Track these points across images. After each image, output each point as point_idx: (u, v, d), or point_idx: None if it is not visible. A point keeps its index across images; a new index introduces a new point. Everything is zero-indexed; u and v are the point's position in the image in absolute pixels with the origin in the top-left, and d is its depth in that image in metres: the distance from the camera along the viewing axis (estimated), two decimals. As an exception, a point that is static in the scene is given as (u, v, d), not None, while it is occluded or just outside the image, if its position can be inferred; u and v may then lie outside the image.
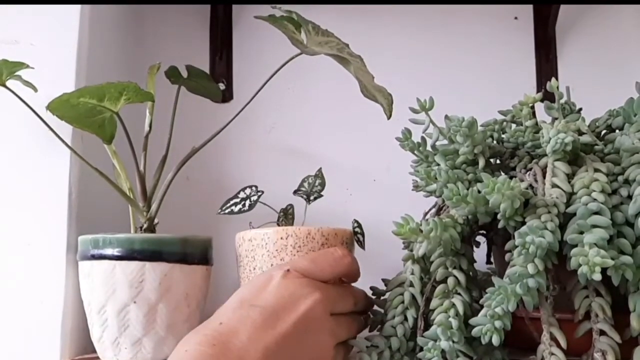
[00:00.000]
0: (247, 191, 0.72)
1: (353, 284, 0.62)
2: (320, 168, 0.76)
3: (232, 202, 0.71)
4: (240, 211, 0.70)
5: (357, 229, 0.68)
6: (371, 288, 0.76)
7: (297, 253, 0.63)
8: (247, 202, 0.70)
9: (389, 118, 0.66)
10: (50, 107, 0.61)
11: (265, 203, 0.71)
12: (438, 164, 0.62)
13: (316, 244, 0.64)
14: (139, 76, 0.81)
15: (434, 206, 0.65)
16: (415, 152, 0.65)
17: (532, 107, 0.65)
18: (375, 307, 0.60)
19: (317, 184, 0.75)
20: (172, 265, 0.63)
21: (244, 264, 0.66)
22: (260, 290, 0.51)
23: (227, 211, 0.70)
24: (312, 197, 0.74)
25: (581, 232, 0.48)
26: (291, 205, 0.72)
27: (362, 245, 0.68)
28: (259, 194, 0.71)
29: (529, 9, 1.03)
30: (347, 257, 0.57)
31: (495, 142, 0.65)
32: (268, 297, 0.50)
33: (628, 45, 1.03)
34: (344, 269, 0.56)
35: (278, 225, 0.72)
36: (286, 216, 0.71)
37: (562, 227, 0.50)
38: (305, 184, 0.75)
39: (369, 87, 0.65)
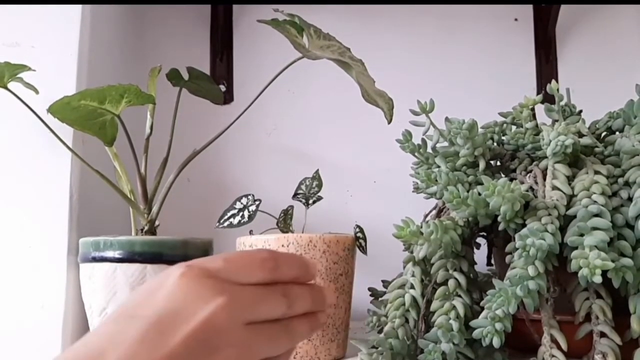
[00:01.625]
0: (244, 200, 0.70)
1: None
2: (317, 170, 0.76)
3: (229, 213, 0.70)
4: (240, 223, 0.68)
5: (359, 234, 0.68)
6: (371, 289, 0.76)
7: (299, 261, 0.62)
8: (246, 213, 0.68)
9: (389, 122, 0.66)
10: (52, 110, 0.61)
11: (265, 211, 0.71)
12: (438, 166, 0.62)
13: (318, 251, 0.63)
14: (139, 78, 0.81)
15: (434, 208, 0.65)
16: (416, 154, 0.65)
17: (533, 109, 0.66)
18: (376, 309, 0.60)
19: (314, 185, 0.74)
20: (173, 267, 0.63)
21: (245, 268, 0.66)
22: (149, 295, 0.38)
23: (226, 224, 0.69)
24: (310, 201, 0.73)
25: (581, 235, 0.48)
26: (291, 207, 0.72)
27: (364, 250, 0.68)
28: (257, 202, 0.69)
29: (529, 10, 1.03)
30: (270, 262, 0.43)
31: (495, 144, 0.65)
32: (156, 303, 0.37)
33: (628, 46, 1.03)
34: (264, 274, 0.42)
35: (278, 227, 0.72)
36: (285, 218, 0.71)
37: (563, 229, 0.50)
38: (303, 187, 0.75)
39: (370, 92, 0.65)
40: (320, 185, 0.74)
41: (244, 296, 0.41)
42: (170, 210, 0.74)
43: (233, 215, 0.69)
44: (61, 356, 0.35)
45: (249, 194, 0.71)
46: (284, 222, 0.71)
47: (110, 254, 0.62)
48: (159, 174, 0.71)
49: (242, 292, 0.40)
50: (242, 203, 0.70)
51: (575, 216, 0.50)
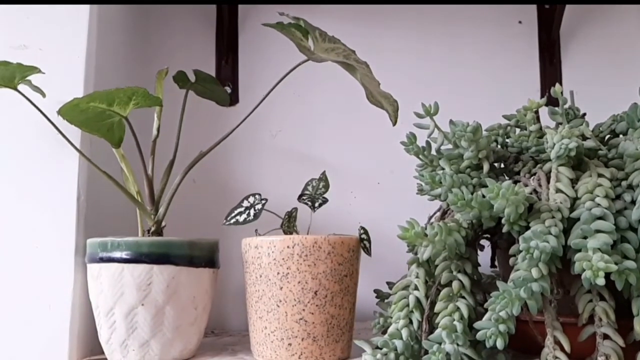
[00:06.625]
0: (251, 199, 0.71)
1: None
2: (324, 171, 0.76)
3: (236, 211, 0.71)
4: (245, 221, 0.69)
5: (363, 236, 0.68)
6: (375, 291, 0.77)
7: (304, 262, 0.63)
8: (252, 211, 0.69)
9: (394, 124, 0.67)
10: (61, 112, 0.62)
11: (270, 210, 0.71)
12: (442, 168, 0.62)
13: (322, 252, 0.63)
14: (145, 80, 0.82)
15: (438, 210, 0.66)
16: (420, 156, 0.65)
17: (536, 112, 0.66)
18: (382, 311, 0.60)
19: (320, 186, 0.75)
20: (179, 268, 0.64)
21: (250, 270, 0.67)
22: None
23: (232, 221, 0.70)
24: (317, 204, 0.74)
25: (585, 237, 0.49)
26: (295, 209, 0.73)
27: (368, 252, 0.68)
28: (263, 202, 0.70)
29: (533, 13, 1.03)
30: None
31: (499, 146, 0.66)
32: None
33: (633, 49, 1.03)
34: None
35: (282, 229, 0.72)
36: (290, 220, 0.72)
37: (566, 232, 0.51)
38: (310, 187, 0.75)
39: (375, 94, 0.65)
40: (326, 187, 0.75)
41: None
42: (177, 211, 0.75)
43: (239, 213, 0.70)
44: None
45: (256, 193, 0.72)
46: (288, 224, 0.71)
47: (117, 254, 0.63)
48: (166, 176, 0.71)
49: None
50: (249, 202, 0.71)
51: (578, 219, 0.50)
